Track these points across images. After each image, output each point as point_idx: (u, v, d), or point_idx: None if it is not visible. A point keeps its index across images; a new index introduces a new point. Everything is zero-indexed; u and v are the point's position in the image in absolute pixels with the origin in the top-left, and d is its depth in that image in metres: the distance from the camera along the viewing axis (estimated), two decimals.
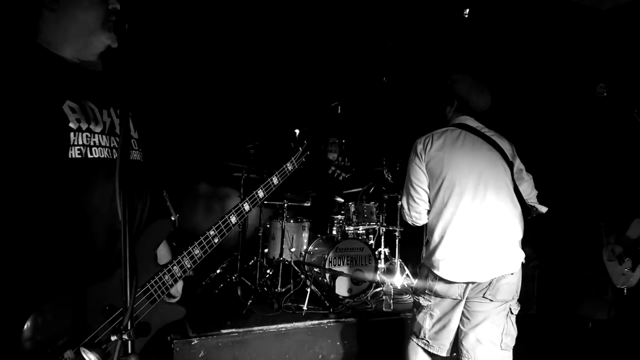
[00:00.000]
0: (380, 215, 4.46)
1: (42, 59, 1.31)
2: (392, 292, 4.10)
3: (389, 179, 4.38)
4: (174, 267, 1.45)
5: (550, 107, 4.92)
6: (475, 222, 2.23)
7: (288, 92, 4.90)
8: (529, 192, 2.41)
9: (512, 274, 2.25)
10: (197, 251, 1.51)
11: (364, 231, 4.44)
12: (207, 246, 1.54)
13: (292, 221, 4.29)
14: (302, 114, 4.61)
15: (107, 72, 1.47)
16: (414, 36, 5.05)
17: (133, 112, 1.51)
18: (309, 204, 4.34)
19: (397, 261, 4.43)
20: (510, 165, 2.34)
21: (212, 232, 1.56)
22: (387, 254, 4.53)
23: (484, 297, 2.24)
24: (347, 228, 4.30)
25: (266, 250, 4.32)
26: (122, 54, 1.27)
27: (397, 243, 4.51)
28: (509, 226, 2.27)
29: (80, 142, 1.27)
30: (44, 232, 1.22)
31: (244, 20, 4.39)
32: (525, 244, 5.45)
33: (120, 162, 1.09)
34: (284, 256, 4.12)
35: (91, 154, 1.29)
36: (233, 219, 1.63)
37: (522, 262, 2.32)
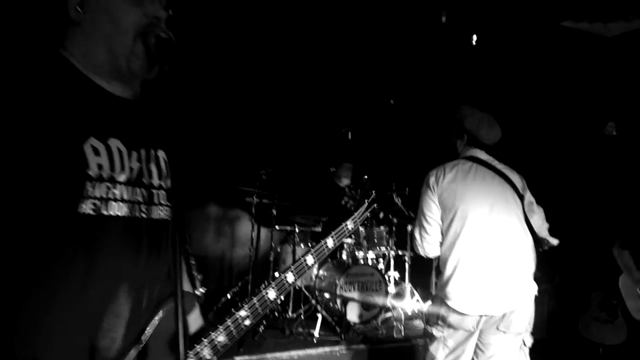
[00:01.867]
0: (390, 240, 4.48)
1: (67, 78, 1.04)
2: (402, 317, 4.11)
3: (399, 203, 4.41)
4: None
5: (560, 137, 4.96)
6: (488, 254, 2.25)
7: (299, 118, 4.97)
8: (540, 225, 2.43)
9: (525, 305, 2.27)
10: (221, 338, 1.20)
11: (374, 256, 4.46)
12: (236, 331, 1.24)
13: (302, 245, 4.31)
14: (314, 140, 4.67)
15: (142, 101, 1.18)
16: (423, 61, 5.13)
17: (168, 149, 1.22)
18: (319, 229, 4.37)
19: (407, 286, 4.44)
20: (521, 197, 2.37)
21: (242, 313, 1.26)
22: (396, 278, 4.53)
23: (497, 329, 2.26)
24: (357, 253, 4.32)
25: (277, 275, 4.33)
26: (164, 80, 1.05)
27: (406, 267, 4.53)
28: (522, 259, 2.30)
29: (97, 195, 1.00)
30: (34, 303, 0.94)
31: (258, 46, 4.48)
32: (538, 267, 5.43)
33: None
34: (297, 282, 4.12)
35: (107, 210, 1.01)
36: (271, 294, 1.39)
37: (535, 293, 2.34)
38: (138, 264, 1.06)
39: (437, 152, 2.72)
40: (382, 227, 4.40)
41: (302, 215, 4.31)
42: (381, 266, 4.46)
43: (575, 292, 5.20)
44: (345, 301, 3.94)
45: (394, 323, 4.09)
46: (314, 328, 3.78)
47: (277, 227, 4.27)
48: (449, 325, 2.31)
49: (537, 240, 2.41)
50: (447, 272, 2.32)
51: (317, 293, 4.09)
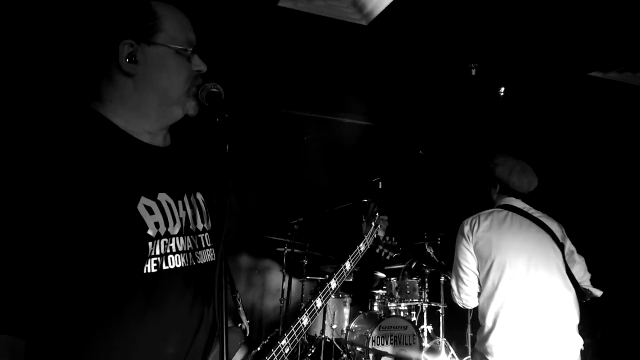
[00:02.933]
0: (423, 292, 4.38)
1: (111, 139, 1.03)
2: None
3: (431, 253, 4.34)
4: None
5: (598, 184, 4.88)
6: (529, 306, 2.18)
7: (331, 168, 5.04)
8: (582, 275, 2.37)
9: None
10: None
11: (406, 308, 4.36)
12: (279, 358, 1.27)
13: (333, 296, 4.26)
14: (346, 191, 4.71)
15: (175, 147, 1.19)
16: (452, 113, 5.21)
17: (204, 191, 1.25)
18: (351, 280, 4.32)
19: (442, 340, 4.28)
20: (561, 247, 2.32)
21: (284, 342, 1.30)
22: (430, 332, 4.38)
23: None
24: (389, 305, 4.23)
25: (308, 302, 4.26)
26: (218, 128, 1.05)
27: (441, 321, 4.39)
28: (564, 310, 2.21)
29: (158, 252, 1.01)
30: None
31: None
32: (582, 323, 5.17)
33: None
34: (325, 334, 4.05)
35: (167, 264, 1.03)
36: (305, 321, 1.41)
37: (582, 349, 2.24)
38: (193, 310, 1.09)
39: (470, 202, 2.71)
40: (414, 279, 4.32)
41: (333, 266, 4.29)
42: (414, 319, 4.34)
43: (619, 348, 4.90)
44: (378, 356, 3.83)
45: None
46: None
47: (308, 277, 4.25)
48: None
49: (580, 292, 2.33)
50: (487, 325, 2.25)
51: (349, 347, 3.99)
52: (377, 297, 4.33)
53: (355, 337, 4.07)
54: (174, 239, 1.06)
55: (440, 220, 4.55)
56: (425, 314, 4.42)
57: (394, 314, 4.16)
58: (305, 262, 4.17)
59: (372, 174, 4.48)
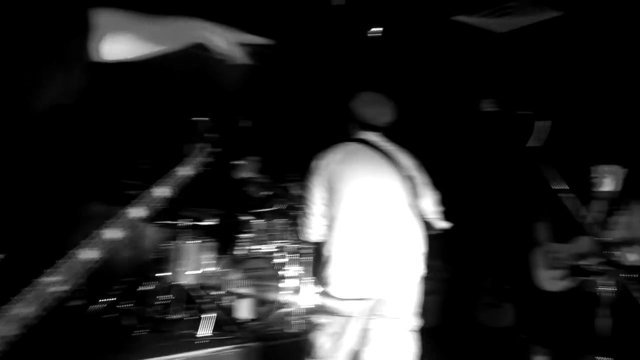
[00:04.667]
0: (289, 232, 4.32)
1: None
2: (300, 312, 3.97)
3: (296, 194, 4.27)
4: None
5: (460, 127, 5.11)
6: (369, 237, 2.20)
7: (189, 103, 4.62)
8: (429, 208, 2.40)
9: (408, 289, 2.21)
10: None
11: (272, 249, 4.28)
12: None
13: (194, 241, 4.03)
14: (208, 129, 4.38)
15: None
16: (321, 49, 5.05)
17: None
18: (212, 223, 4.10)
19: (306, 279, 4.30)
20: (410, 179, 2.32)
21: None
22: (296, 272, 4.37)
23: (378, 314, 2.18)
24: (253, 247, 4.12)
25: (164, 275, 4.01)
26: None
27: (307, 261, 4.39)
28: (405, 241, 2.24)
29: None
30: None
31: None
32: (435, 256, 5.52)
33: None
34: (183, 280, 3.85)
35: None
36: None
37: (422, 276, 2.29)
38: None
39: (337, 140, 2.62)
40: (280, 220, 4.23)
41: (196, 209, 4.02)
42: (279, 260, 4.29)
43: (469, 279, 5.41)
44: (236, 298, 3.73)
45: (291, 318, 3.94)
46: (203, 329, 3.54)
47: (165, 222, 3.96)
48: (329, 312, 2.26)
49: (427, 224, 2.37)
50: (327, 256, 2.26)
51: (205, 291, 3.84)
52: (241, 241, 4.17)
53: (212, 281, 3.92)
54: None
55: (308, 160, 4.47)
56: (291, 254, 4.38)
57: (255, 256, 4.07)
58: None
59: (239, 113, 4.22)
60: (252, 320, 3.86)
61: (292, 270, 4.25)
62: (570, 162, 2.81)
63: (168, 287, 3.94)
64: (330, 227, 2.29)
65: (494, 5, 4.26)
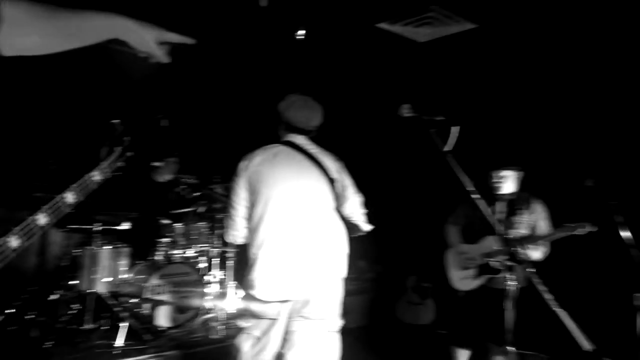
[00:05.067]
0: (213, 236, 4.20)
1: None
2: (223, 317, 3.88)
3: (223, 198, 4.16)
4: None
5: (384, 131, 5.27)
6: (290, 238, 2.18)
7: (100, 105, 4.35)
8: (352, 210, 2.39)
9: (331, 290, 2.22)
10: None
11: (194, 254, 4.14)
12: None
13: (107, 247, 3.80)
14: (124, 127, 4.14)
15: None
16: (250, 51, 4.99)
17: None
18: (127, 227, 3.88)
19: (230, 284, 4.21)
20: (333, 181, 2.33)
21: None
22: (219, 276, 4.26)
23: (301, 316, 2.17)
24: (173, 252, 3.96)
25: (75, 282, 3.74)
26: None
27: (231, 265, 4.30)
28: (327, 242, 2.25)
29: None
30: None
31: None
32: (360, 257, 5.62)
33: None
34: (95, 288, 3.61)
35: None
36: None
37: (344, 277, 2.31)
38: None
39: (264, 142, 2.59)
40: (202, 224, 4.10)
41: (110, 212, 3.79)
42: (203, 265, 4.16)
43: (395, 278, 5.58)
44: (154, 305, 3.56)
45: (215, 324, 3.83)
46: (118, 338, 3.34)
47: (77, 227, 3.70)
48: (253, 315, 2.22)
49: (349, 226, 2.38)
50: (250, 258, 2.23)
51: (121, 299, 3.63)
52: (160, 245, 3.99)
53: (130, 288, 3.72)
54: None
55: (234, 164, 4.39)
56: (216, 259, 4.27)
57: (177, 261, 3.91)
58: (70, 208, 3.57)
59: (158, 110, 4.03)
60: (173, 327, 3.70)
61: (215, 274, 4.14)
62: (475, 165, 3.01)
63: (80, 295, 3.68)
64: (252, 229, 2.26)
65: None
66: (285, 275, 2.16)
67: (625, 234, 2.86)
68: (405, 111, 2.27)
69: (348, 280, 5.68)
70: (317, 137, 2.53)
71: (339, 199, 2.33)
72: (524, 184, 3.28)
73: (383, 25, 4.62)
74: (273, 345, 2.19)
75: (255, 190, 2.28)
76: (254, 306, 2.21)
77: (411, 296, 5.35)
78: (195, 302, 3.81)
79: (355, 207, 2.40)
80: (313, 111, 2.45)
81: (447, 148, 2.17)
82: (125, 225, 3.85)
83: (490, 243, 3.15)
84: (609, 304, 4.07)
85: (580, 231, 2.91)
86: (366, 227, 2.44)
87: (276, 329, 2.19)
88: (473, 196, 2.20)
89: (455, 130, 2.20)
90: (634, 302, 2.82)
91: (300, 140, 2.40)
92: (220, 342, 3.67)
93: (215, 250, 4.19)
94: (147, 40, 1.16)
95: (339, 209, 2.33)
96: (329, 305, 2.24)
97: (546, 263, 4.40)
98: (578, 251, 4.49)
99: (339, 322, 2.29)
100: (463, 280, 3.26)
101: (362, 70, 5.11)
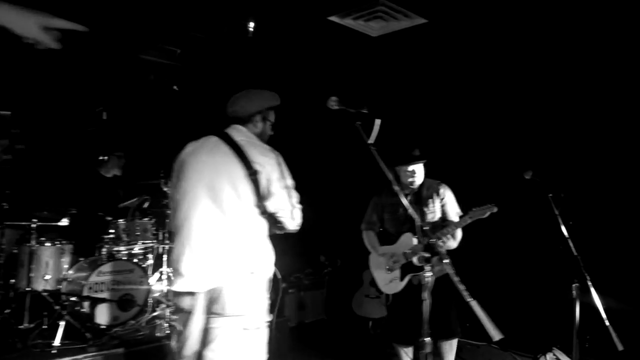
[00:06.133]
0: (159, 232, 4.13)
1: None
2: (169, 314, 3.81)
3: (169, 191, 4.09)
4: None
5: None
6: (200, 232, 2.14)
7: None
8: (278, 206, 2.26)
9: (241, 286, 2.14)
10: None
11: (141, 251, 4.07)
12: None
13: (48, 244, 3.70)
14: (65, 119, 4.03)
15: None
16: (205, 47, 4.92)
17: None
18: (66, 223, 3.78)
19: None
20: (254, 174, 2.21)
21: None
22: (166, 274, 4.19)
23: (216, 312, 2.12)
24: (117, 248, 3.88)
25: (13, 281, 3.63)
26: None
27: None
28: (236, 238, 2.17)
29: None
30: None
31: None
32: (319, 251, 5.60)
33: None
34: (34, 286, 3.53)
35: None
36: None
37: (263, 273, 2.22)
38: None
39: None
40: (146, 219, 4.02)
41: (45, 208, 3.69)
42: (149, 262, 4.09)
43: (351, 273, 5.59)
44: (94, 303, 3.48)
45: (160, 322, 3.77)
46: (57, 337, 3.27)
47: (8, 223, 3.61)
48: (175, 307, 2.24)
49: (272, 221, 2.32)
50: (172, 250, 2.26)
51: (63, 298, 3.54)
52: (104, 242, 3.90)
53: (71, 286, 3.63)
54: None
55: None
56: (165, 255, 4.20)
57: (119, 257, 3.84)
58: (6, 205, 3.47)
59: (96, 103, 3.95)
60: (115, 325, 3.63)
61: (161, 271, 4.08)
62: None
63: (18, 294, 3.59)
64: (172, 217, 2.27)
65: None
66: (193, 268, 2.12)
67: (563, 225, 2.90)
68: (333, 103, 2.25)
69: (304, 276, 5.65)
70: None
71: (261, 193, 2.21)
72: (429, 172, 3.28)
73: (334, 19, 4.61)
74: (192, 340, 2.16)
75: (178, 181, 2.27)
76: (174, 298, 2.25)
77: (368, 290, 5.37)
78: (139, 299, 3.74)
79: (281, 203, 2.24)
80: (249, 99, 2.39)
81: (370, 140, 2.18)
82: (64, 222, 3.75)
83: (409, 239, 3.15)
84: (547, 294, 4.17)
85: (487, 213, 2.94)
86: (291, 225, 2.28)
87: (194, 324, 2.15)
88: (395, 188, 2.20)
89: (378, 123, 2.20)
90: (572, 292, 2.87)
91: (237, 130, 2.34)
92: (166, 339, 3.62)
93: (162, 247, 4.12)
94: (30, 25, 1.12)
95: (262, 204, 2.22)
96: (243, 302, 2.14)
97: (484, 254, 4.51)
98: (515, 242, 4.61)
99: (259, 320, 2.19)
100: (389, 284, 3.27)
101: (299, 62, 5.10)
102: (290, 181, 2.28)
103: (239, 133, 2.34)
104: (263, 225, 2.27)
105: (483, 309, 1.93)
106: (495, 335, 1.89)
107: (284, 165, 2.31)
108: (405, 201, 2.17)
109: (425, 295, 2.04)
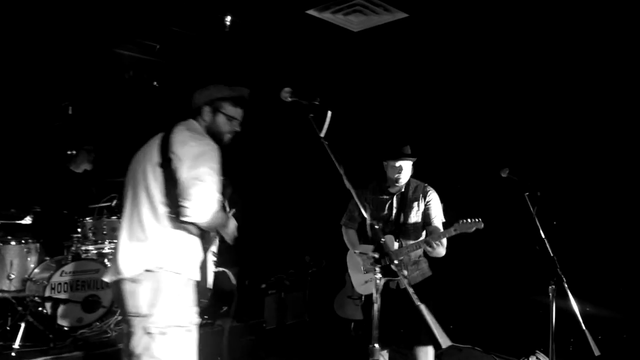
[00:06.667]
0: None
1: None
2: None
3: None
4: None
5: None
6: (123, 228, 2.13)
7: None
8: (180, 195, 2.01)
9: (142, 285, 1.99)
10: None
11: (111, 250, 3.96)
12: None
13: (13, 243, 3.62)
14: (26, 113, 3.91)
15: None
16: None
17: None
18: (29, 222, 3.69)
19: None
20: (167, 161, 2.06)
21: None
22: None
23: (127, 311, 2.03)
24: (85, 248, 3.78)
25: None
26: None
27: None
28: (144, 228, 2.05)
29: None
30: None
31: None
32: (304, 252, 5.47)
33: None
34: None
35: None
36: None
37: (170, 272, 2.02)
38: None
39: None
40: (114, 218, 3.92)
41: (12, 206, 3.61)
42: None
43: (334, 273, 5.49)
44: (56, 304, 3.38)
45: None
46: (19, 339, 3.18)
47: None
48: None
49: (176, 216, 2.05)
50: None
51: (27, 299, 3.45)
52: (69, 240, 3.80)
53: (34, 286, 3.54)
54: None
55: None
56: None
57: (88, 257, 3.74)
58: None
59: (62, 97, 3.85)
60: (80, 327, 3.54)
61: None
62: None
63: None
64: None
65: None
66: (112, 259, 2.21)
67: (539, 225, 2.80)
68: (286, 95, 2.14)
69: (286, 276, 5.54)
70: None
71: (170, 182, 2.03)
72: (416, 173, 3.16)
73: (312, 12, 4.51)
74: (124, 337, 2.11)
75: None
76: None
77: (351, 291, 5.25)
78: (105, 300, 3.64)
79: (182, 192, 2.00)
80: (200, 92, 2.30)
81: (322, 134, 2.06)
82: (27, 220, 3.66)
83: (390, 242, 3.00)
84: (523, 293, 4.05)
85: (473, 228, 2.81)
86: (186, 215, 1.98)
87: (122, 319, 2.20)
88: (346, 184, 2.08)
89: (329, 115, 2.09)
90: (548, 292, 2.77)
91: (185, 123, 2.25)
92: None
93: None
94: None
95: (172, 193, 2.03)
96: (141, 300, 1.99)
97: (464, 256, 4.39)
98: (496, 243, 4.49)
99: (166, 323, 2.00)
100: (364, 285, 3.17)
101: (278, 56, 5.01)
102: (203, 173, 2.02)
103: (183, 126, 2.22)
104: (169, 219, 2.06)
105: (432, 314, 1.80)
106: (444, 342, 1.77)
107: (209, 157, 2.08)
108: (358, 199, 2.02)
109: (376, 297, 1.93)
